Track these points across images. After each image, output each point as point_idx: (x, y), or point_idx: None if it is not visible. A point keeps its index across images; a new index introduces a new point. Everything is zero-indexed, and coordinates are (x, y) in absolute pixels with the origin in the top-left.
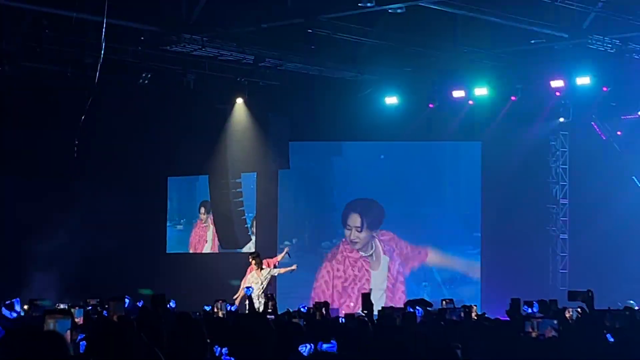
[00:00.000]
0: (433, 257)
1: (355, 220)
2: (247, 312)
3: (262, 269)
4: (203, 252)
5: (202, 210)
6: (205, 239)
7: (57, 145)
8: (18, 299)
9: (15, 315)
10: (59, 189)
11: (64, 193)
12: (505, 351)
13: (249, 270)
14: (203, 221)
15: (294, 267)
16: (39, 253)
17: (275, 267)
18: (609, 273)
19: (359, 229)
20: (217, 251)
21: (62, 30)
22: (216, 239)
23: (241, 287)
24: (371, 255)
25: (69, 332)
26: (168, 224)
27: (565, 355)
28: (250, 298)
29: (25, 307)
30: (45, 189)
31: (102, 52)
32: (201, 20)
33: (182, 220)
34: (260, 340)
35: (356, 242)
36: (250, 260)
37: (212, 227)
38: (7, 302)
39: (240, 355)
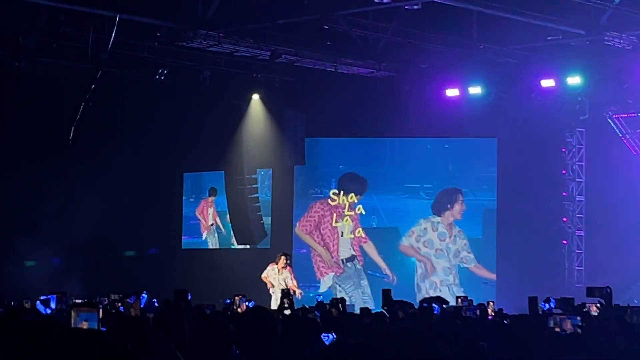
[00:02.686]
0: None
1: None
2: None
3: (286, 266)
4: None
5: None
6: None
7: (70, 140)
8: (54, 295)
9: (49, 311)
10: (71, 185)
11: (78, 189)
12: (525, 348)
13: (271, 265)
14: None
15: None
16: (53, 246)
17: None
18: (625, 270)
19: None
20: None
21: (79, 26)
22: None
23: (265, 278)
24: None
25: (96, 324)
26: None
27: (588, 351)
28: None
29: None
30: (58, 185)
31: (109, 46)
32: (217, 16)
33: (192, 195)
34: (266, 335)
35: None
36: (279, 258)
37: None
38: (42, 297)
39: (248, 351)
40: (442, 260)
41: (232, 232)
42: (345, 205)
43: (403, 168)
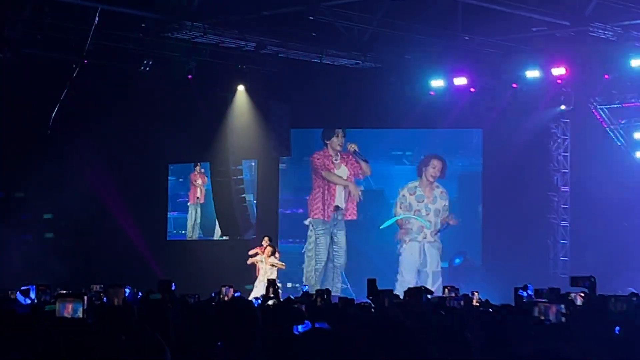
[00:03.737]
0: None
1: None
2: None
3: (271, 255)
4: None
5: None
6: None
7: (48, 130)
8: (34, 285)
9: (29, 302)
10: (54, 175)
11: (60, 179)
12: (510, 337)
13: (258, 249)
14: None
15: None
16: (40, 239)
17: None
18: (609, 261)
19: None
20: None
21: (64, 17)
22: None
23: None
24: None
25: (81, 314)
26: (170, 177)
27: (572, 339)
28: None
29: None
30: (40, 174)
31: (90, 37)
32: (203, 7)
33: (182, 176)
34: (246, 324)
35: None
36: (265, 243)
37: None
38: (22, 288)
39: (229, 340)
40: (419, 220)
41: (217, 222)
42: (335, 152)
43: (389, 136)
